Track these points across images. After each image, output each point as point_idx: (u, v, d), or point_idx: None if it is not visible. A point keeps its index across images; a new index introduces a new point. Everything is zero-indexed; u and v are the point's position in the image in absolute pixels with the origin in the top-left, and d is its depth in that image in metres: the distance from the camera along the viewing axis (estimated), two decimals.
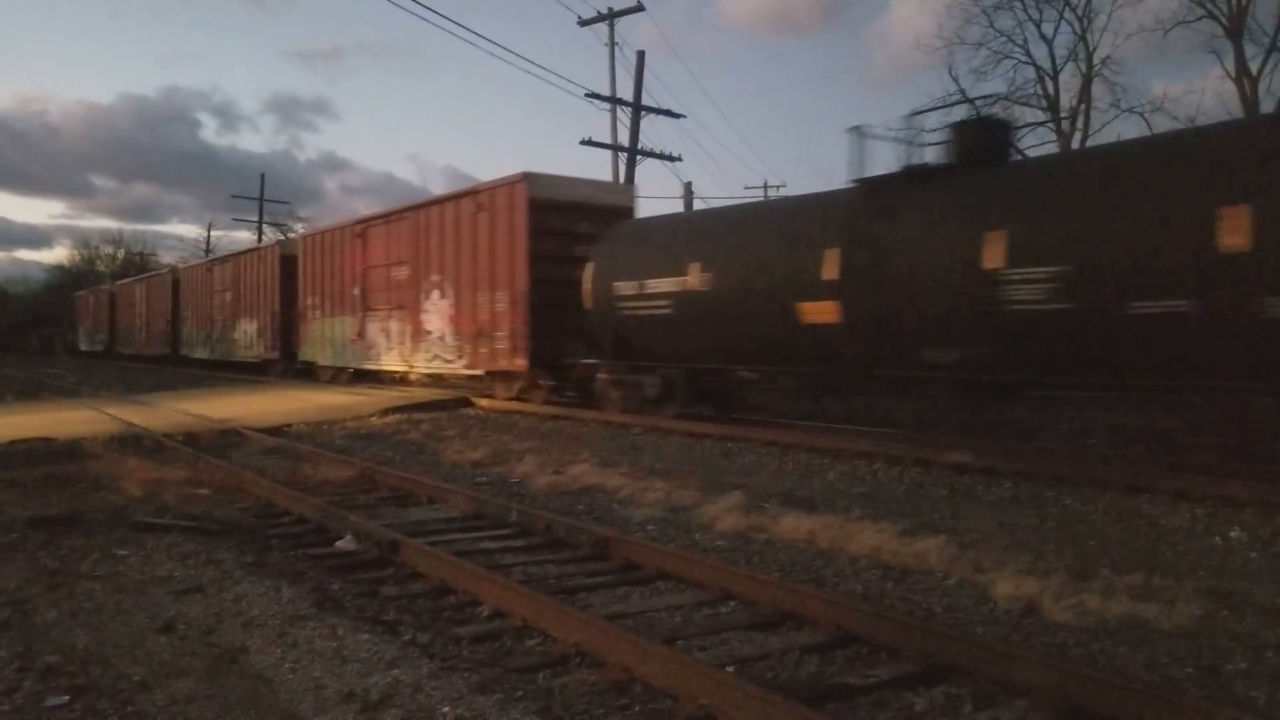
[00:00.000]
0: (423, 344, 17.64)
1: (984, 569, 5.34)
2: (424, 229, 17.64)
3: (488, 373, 16.20)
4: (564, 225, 15.14)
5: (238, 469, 8.97)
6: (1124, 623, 4.46)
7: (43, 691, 3.68)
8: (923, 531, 6.20)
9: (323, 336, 21.83)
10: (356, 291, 20.08)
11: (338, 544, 6.18)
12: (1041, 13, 26.11)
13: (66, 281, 69.53)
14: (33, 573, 5.42)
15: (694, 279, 11.84)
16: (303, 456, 10.07)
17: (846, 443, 9.92)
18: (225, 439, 11.72)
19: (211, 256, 30.52)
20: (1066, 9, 25.58)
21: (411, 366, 18.28)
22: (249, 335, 26.52)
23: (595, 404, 13.96)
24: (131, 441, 10.89)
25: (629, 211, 16.11)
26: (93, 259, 72.88)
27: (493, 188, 15.66)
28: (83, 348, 48.99)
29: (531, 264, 14.78)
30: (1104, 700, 3.40)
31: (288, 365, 24.07)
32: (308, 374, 23.49)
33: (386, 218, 19.30)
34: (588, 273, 13.73)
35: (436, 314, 17.25)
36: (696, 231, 12.83)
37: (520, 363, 15.05)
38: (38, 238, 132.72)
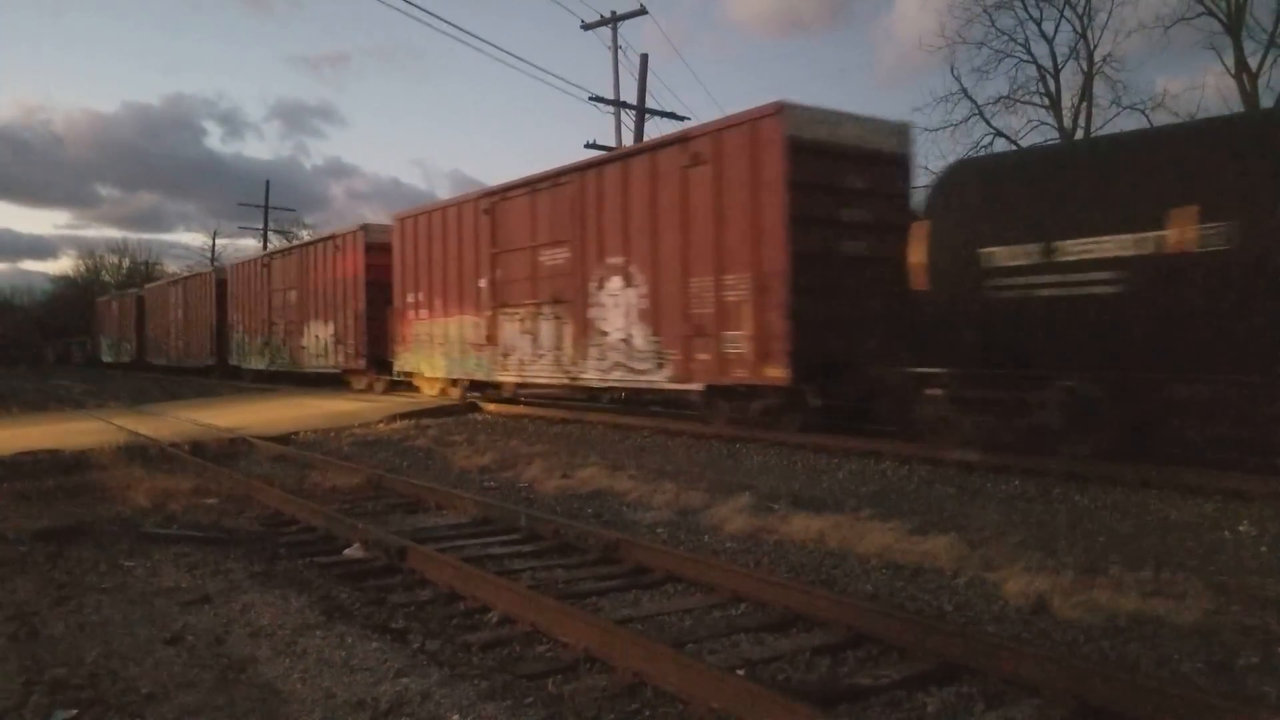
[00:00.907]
0: (594, 348, 13.43)
1: (994, 567, 5.31)
2: (594, 197, 13.38)
3: (709, 388, 11.82)
4: (830, 177, 10.85)
5: (245, 478, 8.98)
6: (1134, 619, 4.44)
7: (50, 705, 3.68)
8: (932, 530, 6.18)
9: (431, 341, 17.58)
10: (483, 283, 15.88)
11: (346, 552, 6.18)
12: (1042, 11, 26.14)
13: (72, 292, 69.70)
14: (40, 585, 5.43)
15: (1182, 234, 7.42)
16: (310, 464, 10.09)
17: (854, 442, 9.89)
18: (233, 448, 11.74)
19: (271, 249, 25.84)
20: (1067, 7, 25.60)
21: (576, 378, 14.03)
22: (322, 342, 21.92)
23: (917, 435, 9.45)
24: (139, 452, 10.91)
25: (905, 160, 11.81)
26: (98, 269, 73.19)
27: (719, 130, 11.40)
28: (105, 359, 45.45)
29: (792, 232, 10.51)
30: (1116, 698, 3.38)
31: (378, 377, 20.08)
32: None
33: (531, 186, 14.82)
34: (919, 239, 9.26)
35: (618, 308, 12.96)
36: (1174, 158, 7.93)
37: (776, 373, 10.68)
38: (43, 248, 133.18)
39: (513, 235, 15.27)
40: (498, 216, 15.61)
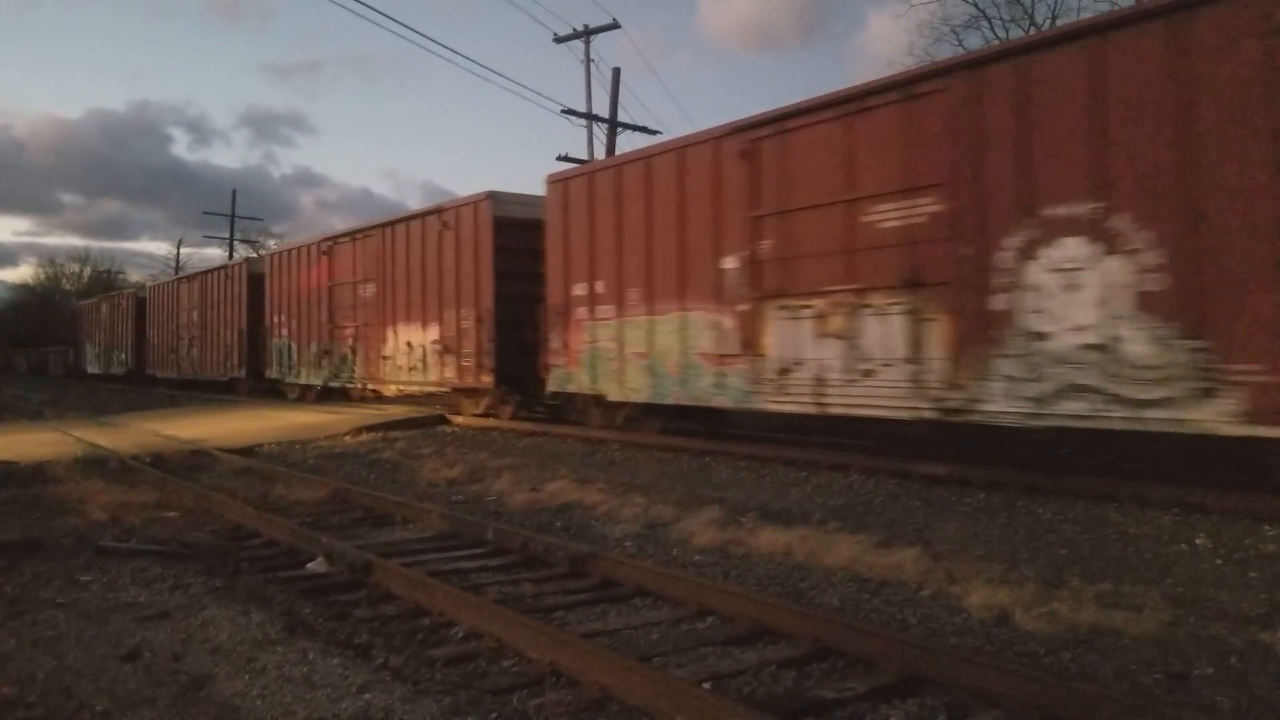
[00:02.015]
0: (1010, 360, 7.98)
1: (958, 579, 5.37)
2: (968, 117, 8.31)
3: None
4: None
5: (207, 491, 8.86)
6: (1094, 630, 4.50)
7: None
8: (898, 543, 6.23)
9: (620, 350, 12.18)
10: (732, 263, 10.64)
11: (309, 566, 6.11)
12: (1008, 31, 26.49)
13: (32, 300, 68.35)
14: None
15: None
16: (274, 477, 9.96)
17: (823, 456, 9.95)
18: (194, 460, 11.57)
19: (331, 233, 19.83)
20: (1031, 27, 25.98)
21: (960, 410, 8.38)
22: (418, 351, 16.47)
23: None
24: (98, 464, 10.72)
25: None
26: (58, 277, 71.91)
27: None
28: (92, 369, 39.02)
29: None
30: (1074, 708, 3.42)
31: (507, 397, 15.14)
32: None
33: (842, 105, 9.47)
34: None
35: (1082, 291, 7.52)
36: None
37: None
38: (2, 255, 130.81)
39: (803, 185, 9.88)
40: (765, 160, 10.28)
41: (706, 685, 3.88)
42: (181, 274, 32.35)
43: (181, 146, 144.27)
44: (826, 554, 6.04)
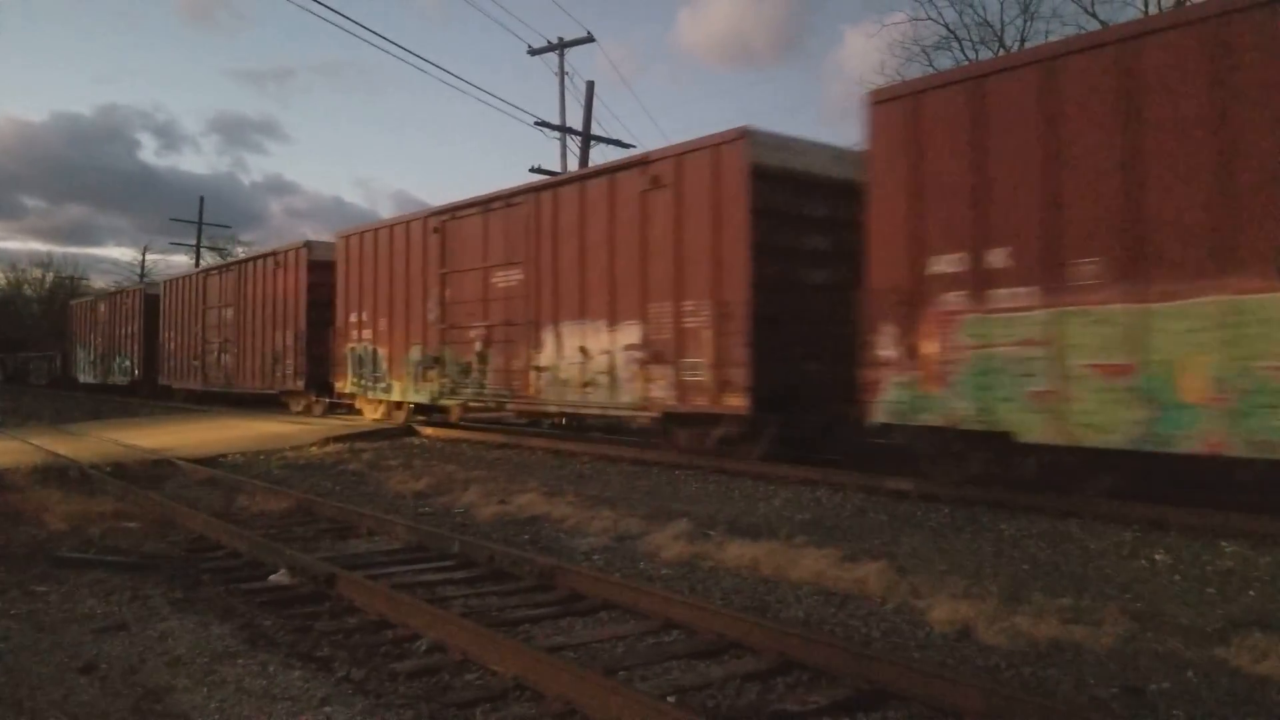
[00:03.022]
0: None
1: (921, 594, 5.41)
2: None
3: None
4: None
5: (168, 501, 8.73)
6: (1054, 645, 4.55)
7: None
8: (864, 557, 6.27)
9: (1053, 359, 7.59)
10: None
11: (271, 578, 6.04)
12: (978, 53, 26.91)
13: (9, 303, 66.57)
14: None
15: None
16: (238, 488, 9.84)
17: (791, 470, 9.99)
18: (157, 470, 11.41)
19: (443, 206, 15.28)
20: (1000, 49, 26.42)
21: None
22: (600, 361, 12.05)
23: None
24: (57, 473, 10.54)
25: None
26: (20, 282, 70.58)
27: None
28: (84, 378, 34.24)
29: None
30: None
31: (788, 431, 11.00)
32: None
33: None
34: None
35: None
36: None
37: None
38: None
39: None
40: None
41: (671, 699, 3.88)
42: (208, 267, 25.80)
43: (149, 152, 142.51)
44: (793, 568, 6.06)
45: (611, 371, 11.79)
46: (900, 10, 35.64)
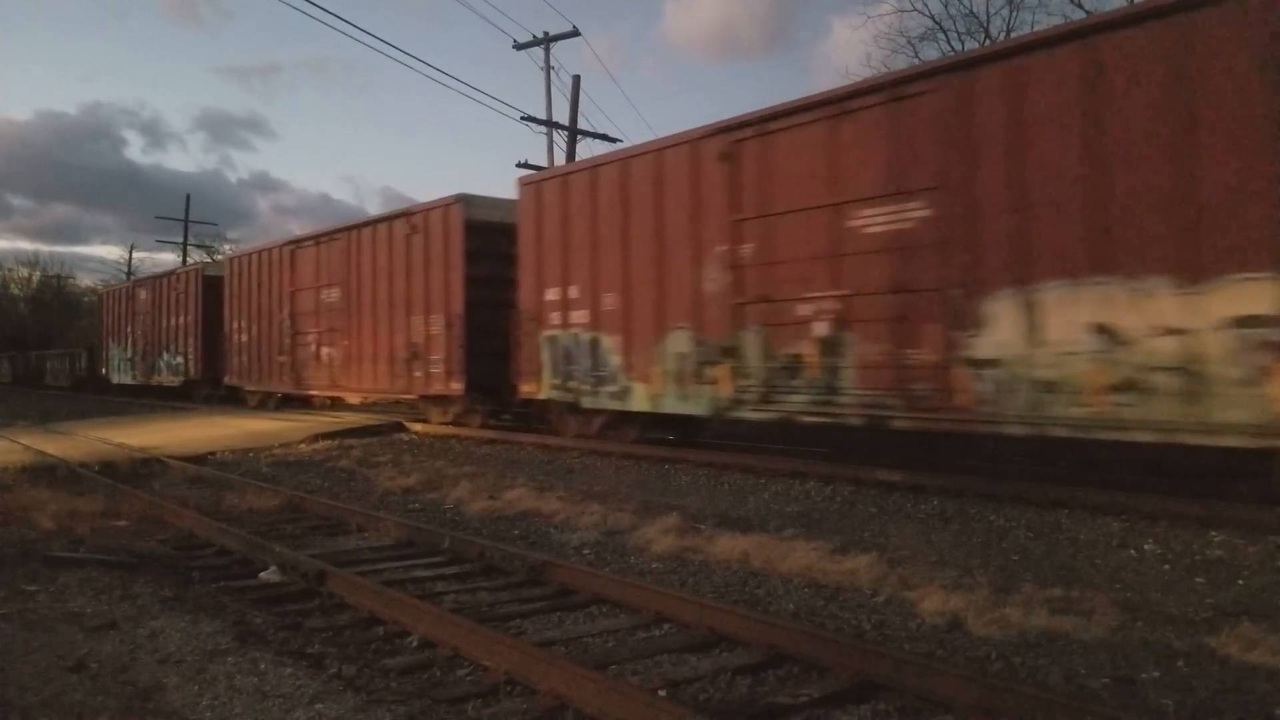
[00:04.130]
0: None
1: (911, 585, 5.43)
2: None
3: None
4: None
5: (158, 499, 8.69)
6: (1044, 635, 4.58)
7: None
8: (853, 549, 6.29)
9: None
10: None
11: (262, 575, 6.02)
12: (964, 44, 26.97)
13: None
14: None
15: None
16: (227, 485, 9.81)
17: (780, 463, 10.02)
18: (146, 468, 11.35)
19: (801, 99, 9.46)
20: (987, 40, 26.48)
21: None
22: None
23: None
24: (45, 472, 10.48)
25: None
26: (6, 282, 70.07)
27: None
28: (120, 378, 29.33)
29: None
30: (1023, 712, 3.48)
31: None
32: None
33: None
34: None
35: None
36: None
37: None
38: None
39: None
40: None
41: (662, 692, 3.89)
42: (298, 235, 19.52)
43: (135, 150, 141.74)
44: (783, 561, 6.08)
45: (1195, 365, 6.78)
46: (886, 2, 35.63)
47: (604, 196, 11.89)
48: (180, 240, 49.71)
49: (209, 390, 23.57)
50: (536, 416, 14.14)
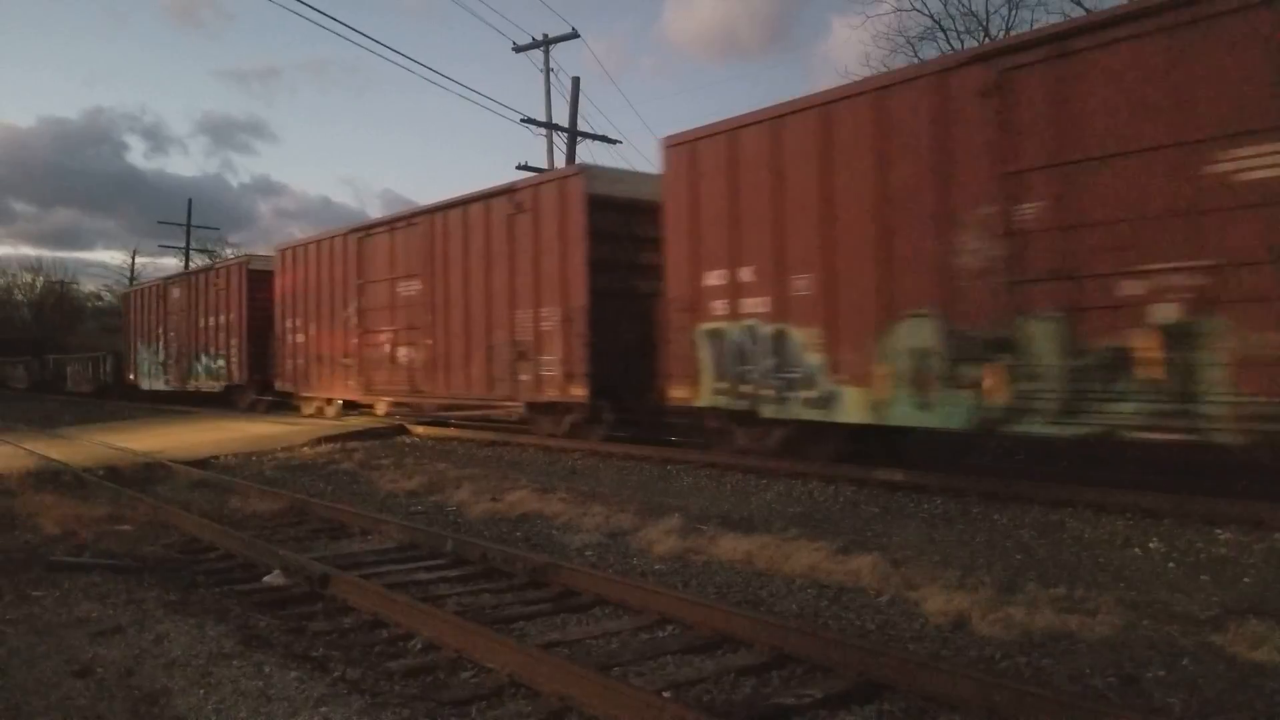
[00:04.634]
0: None
1: (915, 585, 5.42)
2: None
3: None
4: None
5: (161, 503, 8.70)
6: (1049, 634, 4.57)
7: None
8: (857, 549, 6.28)
9: None
10: None
11: (266, 579, 6.02)
12: (963, 43, 26.96)
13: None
14: None
15: None
16: (230, 489, 9.81)
17: (783, 463, 10.01)
18: (149, 472, 11.36)
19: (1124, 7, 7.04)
20: (986, 39, 26.48)
21: None
22: None
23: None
24: (49, 477, 10.49)
25: None
26: (10, 287, 70.20)
27: None
28: (151, 383, 27.11)
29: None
30: (1029, 712, 3.48)
31: None
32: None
33: None
34: None
35: None
36: None
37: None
38: None
39: None
40: None
41: (666, 694, 3.88)
42: (365, 221, 17.93)
43: (137, 154, 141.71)
44: (786, 561, 6.07)
45: None
46: (885, 1, 35.63)
47: (793, 154, 9.58)
48: (182, 245, 49.79)
49: (254, 395, 21.33)
50: (687, 427, 12.22)
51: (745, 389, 10.03)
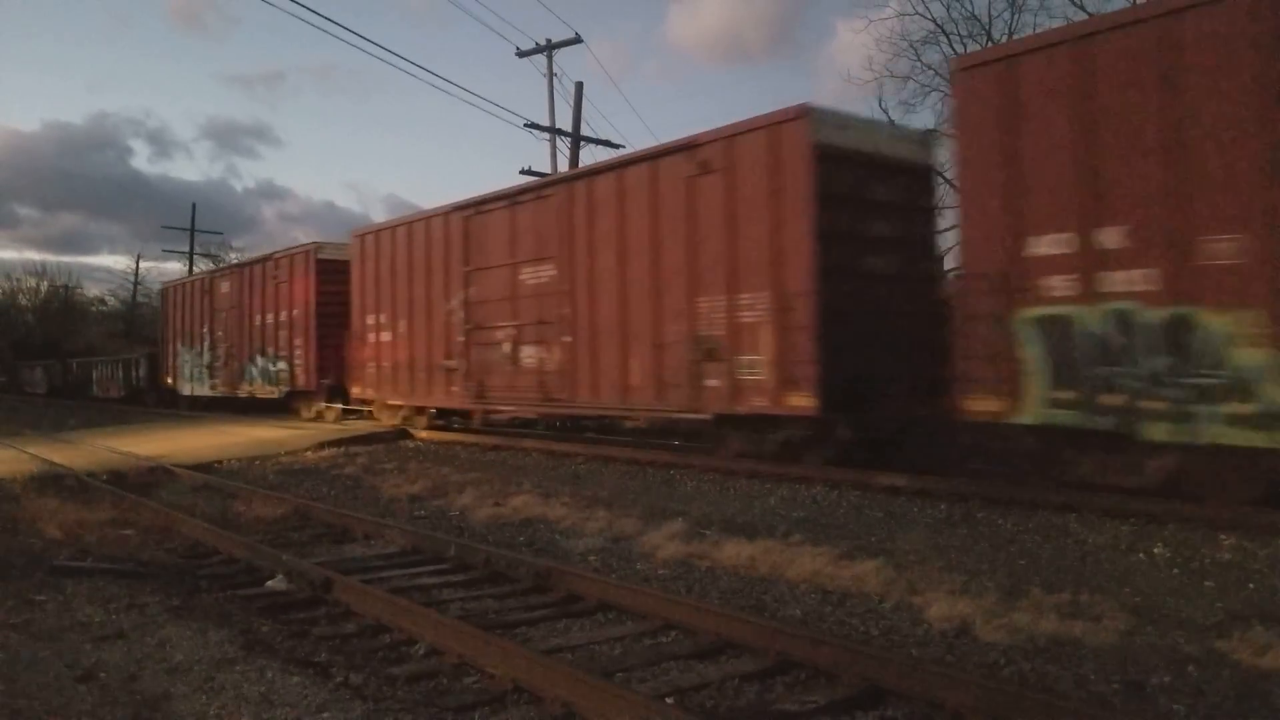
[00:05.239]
0: None
1: (919, 591, 5.41)
2: None
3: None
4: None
5: (165, 508, 8.70)
6: (1053, 640, 4.55)
7: None
8: (860, 555, 6.27)
9: None
10: None
11: (269, 584, 6.02)
12: (966, 47, 26.97)
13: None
14: None
15: None
16: (234, 494, 9.82)
17: (786, 468, 9.99)
18: (153, 477, 11.37)
19: None
20: (989, 43, 26.48)
21: None
22: None
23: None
24: (53, 481, 10.51)
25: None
26: (14, 292, 70.30)
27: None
28: (194, 388, 24.55)
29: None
30: (1033, 719, 3.46)
31: None
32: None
33: None
34: None
35: None
36: None
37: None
38: None
39: None
40: None
41: (669, 700, 3.87)
42: (469, 199, 14.55)
43: (142, 159, 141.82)
44: (790, 566, 6.06)
45: None
46: (888, 5, 35.64)
47: (1206, 61, 6.84)
48: (187, 249, 49.80)
49: (323, 402, 18.77)
50: (988, 453, 9.22)
51: (1110, 400, 7.29)
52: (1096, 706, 3.65)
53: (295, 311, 19.32)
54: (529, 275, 13.16)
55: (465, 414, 15.60)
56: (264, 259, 21.25)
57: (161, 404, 26.07)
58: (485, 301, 13.97)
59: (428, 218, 15.39)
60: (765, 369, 9.82)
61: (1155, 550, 6.35)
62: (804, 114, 9.55)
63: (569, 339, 12.39)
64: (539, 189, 13.22)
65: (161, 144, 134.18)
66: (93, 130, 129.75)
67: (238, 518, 8.55)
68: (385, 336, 16.31)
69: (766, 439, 10.15)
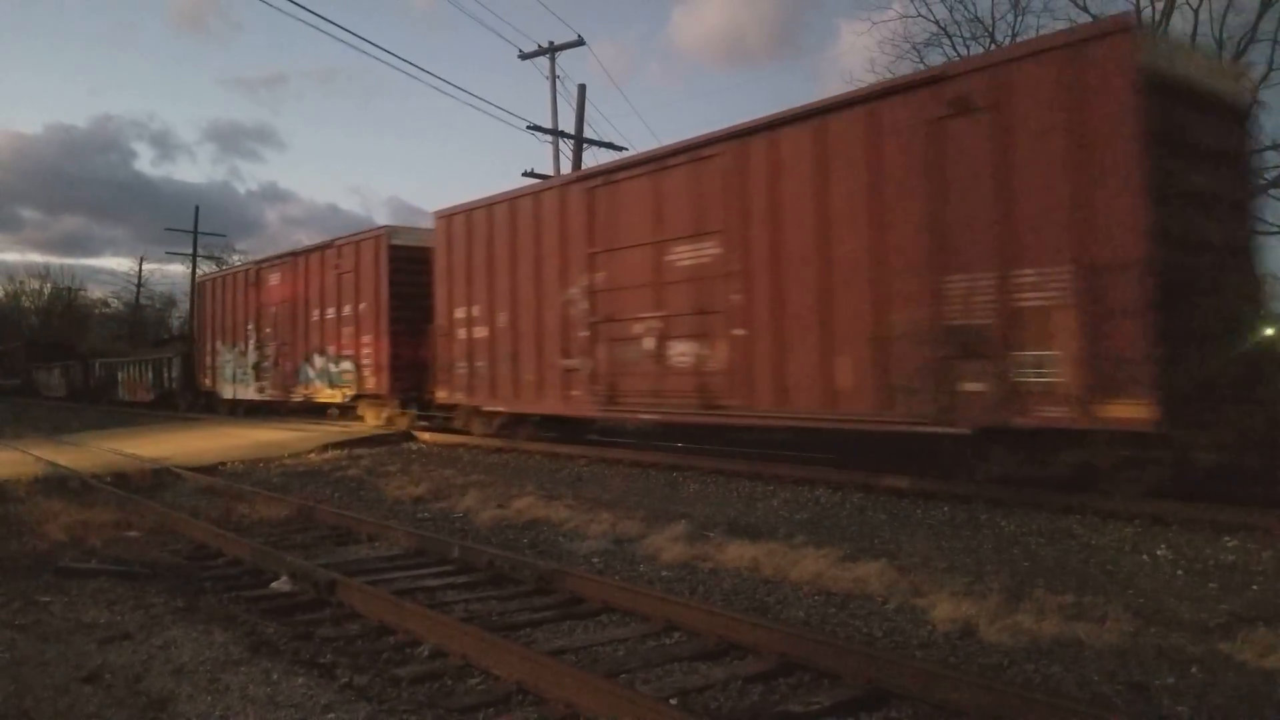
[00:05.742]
0: None
1: (923, 592, 5.41)
2: None
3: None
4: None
5: (169, 510, 8.72)
6: (1057, 642, 4.55)
7: None
8: (864, 556, 6.27)
9: None
10: None
11: (273, 585, 6.04)
12: (969, 49, 26.96)
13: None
14: None
15: None
16: (237, 495, 9.83)
17: (790, 470, 9.99)
18: (157, 479, 11.39)
19: None
20: (992, 45, 26.48)
21: None
22: None
23: None
24: (57, 483, 10.53)
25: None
26: (18, 294, 70.46)
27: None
28: (235, 391, 22.08)
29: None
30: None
31: None
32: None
33: None
34: None
35: None
36: None
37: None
38: None
39: None
40: None
41: (673, 701, 3.88)
42: (610, 164, 12.79)
43: (145, 161, 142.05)
44: (793, 568, 6.06)
45: None
46: (891, 7, 35.62)
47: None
48: (190, 252, 49.82)
49: (397, 408, 16.50)
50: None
51: None
52: (1100, 708, 3.65)
53: (363, 305, 17.00)
54: (682, 255, 10.93)
55: (587, 424, 13.74)
56: (323, 246, 18.68)
57: (196, 409, 24.14)
58: (618, 289, 11.71)
59: (537, 192, 13.25)
60: (1064, 367, 7.47)
61: (1159, 552, 6.35)
62: (1125, 28, 7.33)
63: (742, 332, 10.13)
64: (694, 149, 10.86)
65: (164, 147, 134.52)
66: (96, 133, 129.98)
67: (242, 519, 8.56)
68: (480, 332, 14.07)
69: (1054, 460, 7.86)
